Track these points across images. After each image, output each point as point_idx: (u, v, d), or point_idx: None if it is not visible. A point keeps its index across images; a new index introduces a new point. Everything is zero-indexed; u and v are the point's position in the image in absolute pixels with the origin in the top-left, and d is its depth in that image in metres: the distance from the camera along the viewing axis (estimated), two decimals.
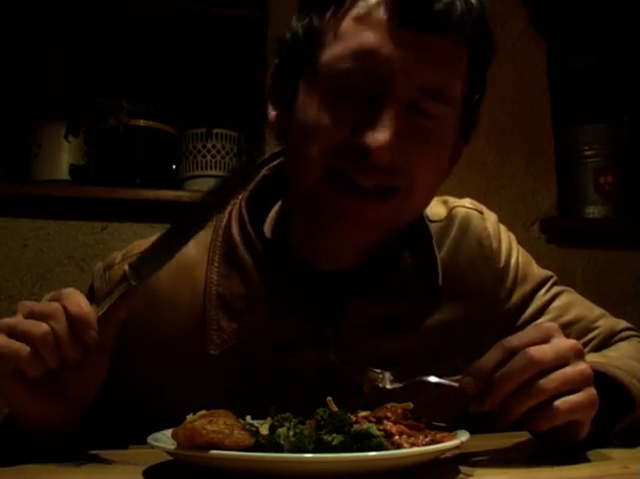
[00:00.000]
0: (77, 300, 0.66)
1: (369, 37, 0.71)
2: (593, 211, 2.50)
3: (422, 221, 0.87)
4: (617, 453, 0.69)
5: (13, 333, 0.65)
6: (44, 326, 0.64)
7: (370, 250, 0.83)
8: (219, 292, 0.83)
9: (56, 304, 0.66)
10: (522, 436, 0.72)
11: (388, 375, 0.71)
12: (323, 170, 0.74)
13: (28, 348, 0.64)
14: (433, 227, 0.89)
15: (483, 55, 0.78)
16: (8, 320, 0.66)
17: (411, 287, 0.85)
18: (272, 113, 0.83)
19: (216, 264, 0.84)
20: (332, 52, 0.74)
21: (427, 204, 0.83)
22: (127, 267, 0.69)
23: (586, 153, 2.51)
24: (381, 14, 0.71)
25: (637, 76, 2.60)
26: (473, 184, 2.43)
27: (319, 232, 0.78)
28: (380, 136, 0.70)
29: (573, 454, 0.67)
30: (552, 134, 2.54)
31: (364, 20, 0.72)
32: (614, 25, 2.57)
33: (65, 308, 0.65)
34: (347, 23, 0.73)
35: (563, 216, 2.51)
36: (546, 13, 2.52)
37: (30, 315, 0.66)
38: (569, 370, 0.64)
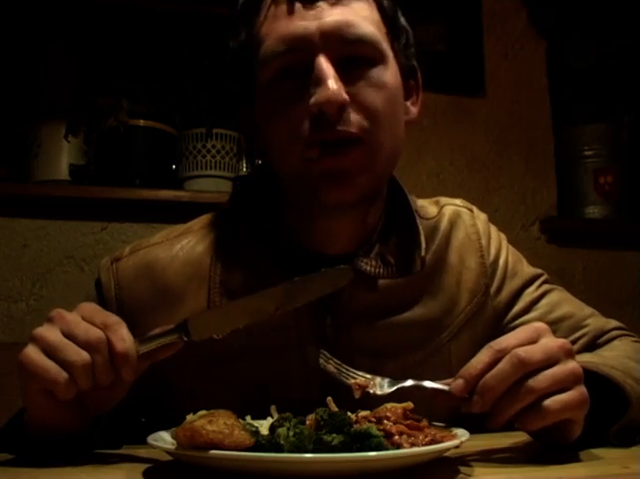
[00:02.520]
0: (122, 336, 0.65)
1: (281, 27, 0.79)
2: (593, 211, 2.50)
3: (409, 208, 0.89)
4: (616, 453, 0.70)
5: (51, 354, 0.64)
6: (85, 357, 0.63)
7: (363, 231, 0.86)
8: (223, 282, 0.85)
9: (100, 334, 0.65)
10: (521, 436, 0.72)
11: (379, 380, 0.71)
12: (301, 150, 0.78)
13: (66, 375, 0.63)
14: (424, 224, 0.91)
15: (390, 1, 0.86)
16: (46, 334, 0.65)
17: (400, 266, 0.86)
18: (244, 122, 0.90)
19: (220, 258, 0.87)
20: (261, 54, 0.81)
21: (396, 150, 0.85)
22: (183, 320, 0.69)
23: (586, 153, 2.51)
24: (281, 4, 0.81)
25: (637, 76, 2.61)
26: (473, 184, 2.43)
27: (314, 212, 0.82)
28: (322, 91, 0.75)
29: (572, 454, 0.68)
30: (552, 134, 2.54)
31: (272, 16, 0.81)
32: (614, 25, 2.57)
33: (109, 342, 0.65)
34: (262, 27, 0.82)
35: (563, 216, 2.51)
36: (546, 13, 2.52)
37: (71, 336, 0.64)
38: (559, 369, 0.64)
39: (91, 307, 0.69)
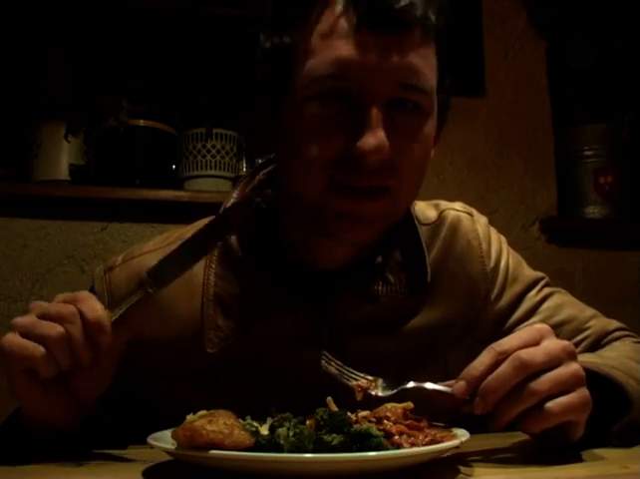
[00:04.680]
0: (92, 305, 0.67)
1: (340, 47, 0.72)
2: (593, 211, 2.50)
3: (411, 221, 0.89)
4: (615, 453, 0.69)
5: (27, 333, 0.66)
6: (59, 328, 0.65)
7: (363, 250, 0.84)
8: (216, 292, 0.84)
9: (72, 307, 0.67)
10: (521, 436, 0.72)
11: (380, 382, 0.71)
12: (325, 183, 0.75)
13: (42, 349, 0.65)
14: (423, 229, 0.90)
15: (448, 42, 0.80)
16: (22, 320, 0.68)
17: (402, 286, 0.86)
18: (260, 127, 0.84)
19: (214, 267, 0.86)
20: (307, 68, 0.74)
21: (413, 198, 0.84)
22: (144, 275, 0.70)
23: (586, 153, 2.51)
24: (347, 23, 0.72)
25: (637, 76, 2.60)
26: (473, 184, 2.43)
27: (318, 234, 0.80)
28: (371, 139, 0.71)
29: (572, 454, 0.67)
30: (552, 134, 2.54)
31: (332, 32, 0.73)
32: (614, 25, 2.57)
33: (80, 312, 0.66)
34: (316, 38, 0.74)
35: (563, 216, 2.51)
36: (546, 13, 2.52)
37: (45, 316, 0.67)
38: (561, 372, 0.64)
39: (64, 294, 0.71)
